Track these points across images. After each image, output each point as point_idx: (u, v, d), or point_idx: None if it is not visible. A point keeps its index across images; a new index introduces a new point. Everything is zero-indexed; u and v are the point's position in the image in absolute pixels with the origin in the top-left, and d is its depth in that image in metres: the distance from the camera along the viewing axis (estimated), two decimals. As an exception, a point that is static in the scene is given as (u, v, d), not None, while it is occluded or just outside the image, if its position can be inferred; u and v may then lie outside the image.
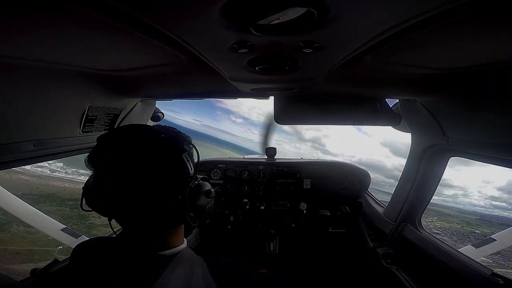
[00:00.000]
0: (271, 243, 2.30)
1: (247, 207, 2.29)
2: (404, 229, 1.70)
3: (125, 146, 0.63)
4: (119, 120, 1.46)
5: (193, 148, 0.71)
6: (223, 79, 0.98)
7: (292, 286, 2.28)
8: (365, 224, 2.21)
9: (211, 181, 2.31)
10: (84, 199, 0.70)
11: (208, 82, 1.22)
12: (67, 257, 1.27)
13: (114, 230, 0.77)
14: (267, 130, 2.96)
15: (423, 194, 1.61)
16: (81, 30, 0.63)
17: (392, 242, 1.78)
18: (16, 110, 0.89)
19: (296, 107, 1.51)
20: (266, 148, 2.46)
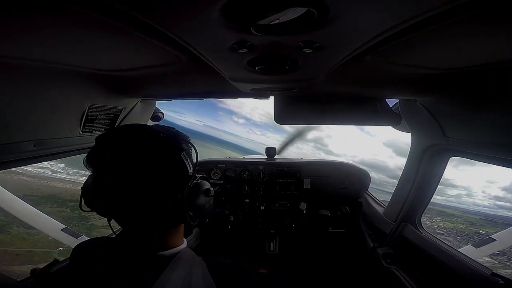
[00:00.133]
0: (271, 243, 2.29)
1: (247, 207, 2.29)
2: (404, 229, 1.70)
3: (124, 146, 0.63)
4: (119, 120, 1.46)
5: (192, 148, 0.71)
6: (223, 79, 0.98)
7: (292, 286, 2.28)
8: (365, 224, 2.21)
9: (211, 181, 2.31)
10: (83, 200, 0.70)
11: (208, 82, 1.22)
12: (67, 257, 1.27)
13: (114, 230, 0.77)
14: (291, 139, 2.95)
15: (423, 194, 1.61)
16: (81, 30, 0.63)
17: (392, 242, 1.78)
18: (16, 110, 0.89)
19: (296, 107, 1.51)
20: (266, 148, 2.46)
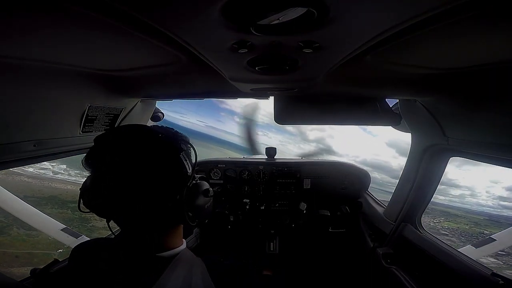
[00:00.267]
0: (271, 243, 2.29)
1: (247, 207, 2.29)
2: (404, 229, 1.70)
3: (123, 146, 0.63)
4: (119, 120, 1.46)
5: (191, 148, 0.71)
6: (223, 79, 0.98)
7: (292, 286, 2.28)
8: (365, 224, 2.21)
9: (211, 181, 2.31)
10: (82, 200, 0.70)
11: (208, 82, 1.22)
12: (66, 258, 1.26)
13: (113, 231, 0.77)
14: (248, 131, 2.89)
15: (423, 194, 1.61)
16: (81, 30, 0.63)
17: (392, 242, 1.78)
18: (16, 110, 0.89)
19: (296, 107, 1.51)
20: (266, 148, 2.46)
